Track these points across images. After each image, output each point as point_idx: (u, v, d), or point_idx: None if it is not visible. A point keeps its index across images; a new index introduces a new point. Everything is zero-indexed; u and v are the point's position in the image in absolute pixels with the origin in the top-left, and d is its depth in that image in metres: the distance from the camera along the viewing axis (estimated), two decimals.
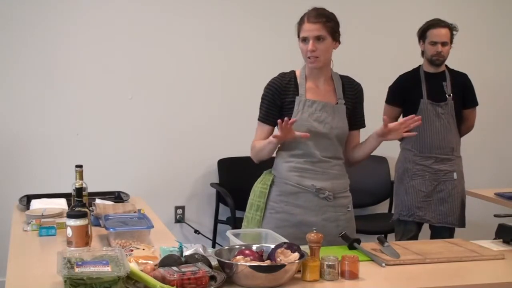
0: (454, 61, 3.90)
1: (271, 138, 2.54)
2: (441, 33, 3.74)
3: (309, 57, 2.55)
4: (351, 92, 2.66)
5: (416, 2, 5.00)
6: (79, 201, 2.48)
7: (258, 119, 2.66)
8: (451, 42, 3.78)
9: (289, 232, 2.50)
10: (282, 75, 2.64)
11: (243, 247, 2.10)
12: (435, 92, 3.80)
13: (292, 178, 2.59)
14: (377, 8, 4.94)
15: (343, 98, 2.63)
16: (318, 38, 2.52)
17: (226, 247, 2.14)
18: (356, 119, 2.68)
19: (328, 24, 2.53)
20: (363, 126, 2.71)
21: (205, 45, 4.63)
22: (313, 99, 2.58)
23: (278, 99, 2.60)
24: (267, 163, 2.71)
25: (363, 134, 2.72)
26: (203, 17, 4.62)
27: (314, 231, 2.12)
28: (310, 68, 2.61)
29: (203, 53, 4.63)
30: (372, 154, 2.68)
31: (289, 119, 2.40)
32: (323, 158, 2.58)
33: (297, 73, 2.64)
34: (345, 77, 2.69)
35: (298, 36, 2.59)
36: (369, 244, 2.44)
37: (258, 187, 2.68)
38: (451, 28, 3.78)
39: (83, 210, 2.38)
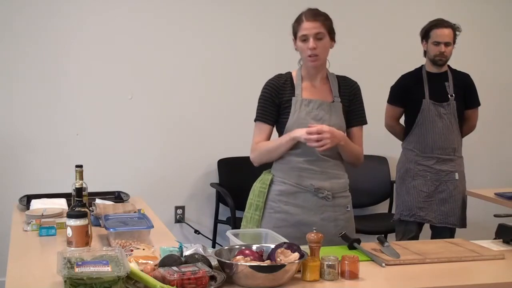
0: (456, 61, 3.90)
1: (290, 137, 2.53)
2: (444, 33, 3.73)
3: (309, 56, 2.55)
4: (347, 90, 2.67)
5: (418, 2, 4.99)
6: (79, 201, 2.48)
7: (256, 120, 2.66)
8: (454, 42, 3.78)
9: (288, 231, 2.51)
10: (278, 76, 2.66)
11: (243, 247, 2.10)
12: (437, 92, 3.80)
13: (291, 178, 2.60)
14: (377, 8, 4.93)
15: (339, 97, 2.64)
16: (318, 36, 2.53)
17: (226, 247, 2.14)
18: (355, 116, 2.67)
19: (326, 22, 2.56)
20: (364, 123, 2.70)
21: (205, 46, 4.62)
22: (309, 98, 2.60)
23: (276, 98, 2.61)
24: (267, 164, 2.71)
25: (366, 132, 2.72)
26: (204, 17, 4.62)
27: (314, 231, 2.12)
28: (308, 68, 2.61)
29: (203, 53, 4.63)
30: (372, 154, 2.67)
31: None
32: (321, 156, 2.58)
33: (293, 74, 2.66)
34: (341, 77, 2.71)
35: (295, 37, 2.59)
36: (369, 244, 2.44)
37: (257, 186, 2.69)
38: (454, 29, 3.77)
39: (83, 210, 2.37)
